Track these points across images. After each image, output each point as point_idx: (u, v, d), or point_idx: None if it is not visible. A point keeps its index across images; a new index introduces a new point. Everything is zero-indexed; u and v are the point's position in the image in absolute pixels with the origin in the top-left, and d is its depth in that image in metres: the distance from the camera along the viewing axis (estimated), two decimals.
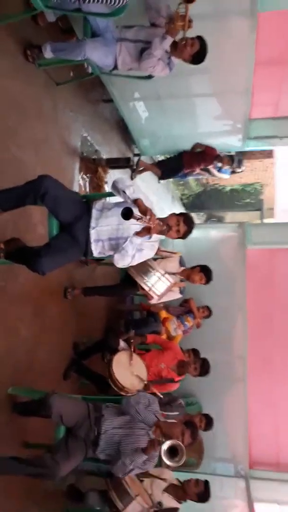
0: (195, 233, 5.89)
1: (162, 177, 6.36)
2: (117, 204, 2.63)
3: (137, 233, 2.49)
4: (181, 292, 4.24)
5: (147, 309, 4.79)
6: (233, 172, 6.59)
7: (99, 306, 4.50)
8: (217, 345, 5.24)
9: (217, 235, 5.86)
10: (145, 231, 2.45)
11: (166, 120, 5.53)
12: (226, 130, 5.92)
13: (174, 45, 3.23)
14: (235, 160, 6.09)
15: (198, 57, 3.22)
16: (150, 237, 2.66)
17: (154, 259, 4.31)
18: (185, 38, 3.16)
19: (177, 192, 10.81)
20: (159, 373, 3.85)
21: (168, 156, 6.32)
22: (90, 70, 3.55)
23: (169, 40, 3.13)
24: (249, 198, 11.39)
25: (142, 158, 6.32)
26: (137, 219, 2.23)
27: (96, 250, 2.64)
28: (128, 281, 3.84)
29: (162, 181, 7.44)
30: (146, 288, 3.64)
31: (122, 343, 3.83)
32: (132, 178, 6.26)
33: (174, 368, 3.90)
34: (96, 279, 4.34)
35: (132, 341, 3.84)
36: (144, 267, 3.67)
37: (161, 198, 8.26)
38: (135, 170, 6.21)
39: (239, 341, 5.27)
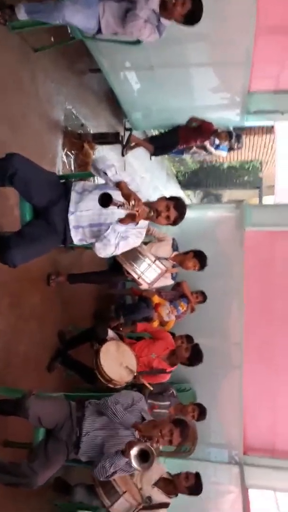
0: (190, 214, 5.60)
1: (155, 153, 6.03)
2: (99, 186, 2.35)
3: (121, 220, 2.22)
4: (173, 278, 3.99)
5: (138, 294, 4.55)
6: (230, 149, 6.25)
7: (87, 292, 4.25)
8: (213, 331, 5.05)
9: (213, 216, 5.58)
10: (130, 218, 2.18)
11: (160, 92, 5.19)
12: (224, 104, 5.59)
13: (164, 4, 2.86)
14: (233, 135, 5.73)
15: (191, 17, 2.85)
16: (136, 224, 2.39)
17: (145, 242, 4.05)
18: None
19: (173, 169, 10.44)
20: (149, 363, 3.64)
21: (162, 131, 5.95)
22: (71, 34, 3.18)
23: None
24: (247, 176, 11.04)
25: (134, 133, 5.97)
26: (118, 206, 1.95)
27: (76, 237, 2.37)
28: (116, 267, 3.58)
29: (154, 158, 7.10)
30: (135, 276, 3.38)
31: (110, 332, 3.61)
32: (123, 155, 5.93)
33: (165, 358, 3.69)
34: (82, 265, 4.07)
35: (121, 329, 3.63)
36: (133, 253, 3.40)
37: (155, 175, 7.91)
38: (126, 146, 5.87)
39: (236, 327, 5.06)
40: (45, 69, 3.56)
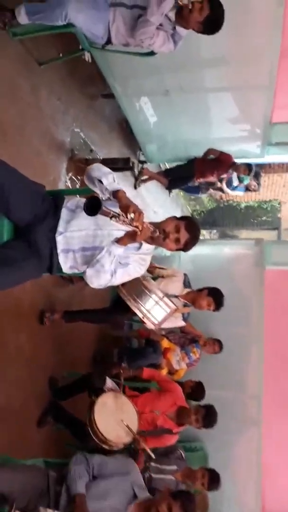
0: (205, 250, 5.22)
1: (169, 186, 5.70)
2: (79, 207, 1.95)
3: (118, 240, 1.79)
4: (184, 319, 3.49)
5: (145, 336, 4.05)
6: (247, 189, 5.88)
7: (87, 331, 3.76)
8: (228, 382, 4.58)
9: (230, 253, 5.13)
10: (129, 237, 1.76)
11: (176, 122, 4.96)
12: (243, 136, 5.28)
13: (180, 11, 2.57)
14: (253, 169, 5.38)
15: (210, 24, 2.54)
16: (139, 247, 1.95)
17: (153, 278, 3.61)
18: (191, 1, 2.50)
19: (188, 208, 10.14)
20: (153, 421, 3.08)
21: (178, 164, 5.65)
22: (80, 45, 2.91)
23: (169, 2, 2.46)
24: (265, 216, 10.65)
25: (149, 165, 5.68)
26: (111, 217, 1.53)
27: (65, 263, 1.94)
28: (120, 304, 3.11)
29: (171, 193, 6.82)
30: (140, 315, 2.91)
31: (109, 382, 3.09)
32: (135, 187, 5.61)
33: (172, 415, 3.12)
34: (82, 301, 3.61)
35: (121, 372, 3.11)
36: (138, 287, 2.95)
37: (169, 212, 7.55)
38: (138, 178, 5.57)
39: (254, 377, 4.57)
40: (50, 85, 3.28)
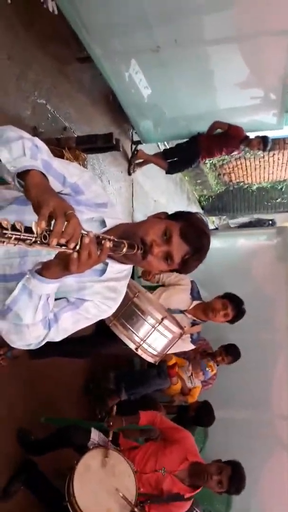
0: (217, 243, 4.35)
1: (170, 170, 4.85)
2: (18, 199, 1.11)
3: (42, 269, 0.95)
4: (193, 341, 2.65)
5: None
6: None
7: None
8: (250, 398, 3.94)
9: (247, 244, 4.30)
10: (57, 265, 0.91)
11: (173, 90, 4.17)
12: (256, 104, 4.44)
13: None
14: (268, 142, 4.49)
15: None
16: (103, 271, 1.12)
17: (151, 287, 2.79)
18: None
19: (195, 194, 9.24)
20: (157, 483, 2.29)
21: (179, 142, 4.79)
22: None
23: None
24: (280, 198, 9.69)
25: (144, 146, 4.83)
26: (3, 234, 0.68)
27: None
28: (107, 329, 2.29)
29: (173, 180, 5.97)
30: (132, 346, 2.11)
31: (94, 435, 2.31)
32: (129, 173, 4.78)
33: (183, 475, 2.31)
34: None
35: (110, 424, 2.34)
36: (127, 308, 2.15)
37: (174, 200, 6.68)
38: (132, 161, 4.73)
39: (282, 393, 3.88)
40: None
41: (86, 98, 3.62)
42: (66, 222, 0.77)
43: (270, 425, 3.99)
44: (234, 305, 2.71)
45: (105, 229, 1.12)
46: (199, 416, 3.33)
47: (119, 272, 1.16)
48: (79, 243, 0.81)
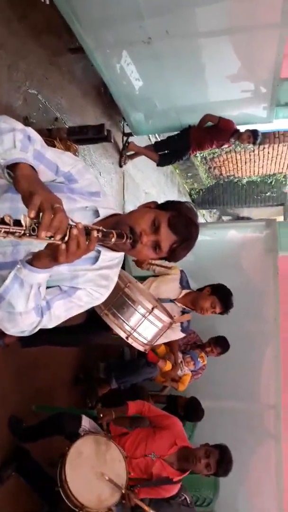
0: (206, 236, 4.40)
1: (161, 162, 4.87)
2: (12, 188, 1.13)
3: (33, 260, 0.97)
4: (183, 330, 2.71)
5: None
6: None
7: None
8: (239, 389, 3.98)
9: (236, 237, 4.33)
10: (47, 256, 0.93)
11: (164, 83, 4.17)
12: (246, 97, 4.46)
13: None
14: (258, 136, 4.52)
15: None
16: (95, 259, 1.15)
17: (142, 278, 2.83)
18: None
19: (185, 187, 9.26)
20: (147, 468, 2.34)
21: (170, 135, 4.81)
22: None
23: None
24: (270, 191, 9.77)
25: (135, 138, 4.84)
26: None
27: None
28: (98, 318, 2.32)
29: (163, 173, 5.99)
30: (122, 335, 2.14)
31: (85, 422, 2.35)
32: (121, 165, 4.79)
33: (172, 460, 2.37)
34: None
35: (100, 416, 2.38)
36: (118, 298, 2.17)
37: (164, 192, 6.71)
38: (123, 153, 4.74)
39: (270, 384, 3.91)
40: None
41: (77, 89, 3.62)
42: (52, 215, 0.80)
43: (258, 415, 4.04)
44: (222, 303, 2.76)
45: (98, 218, 1.15)
46: (187, 413, 3.38)
47: (111, 260, 1.19)
48: (67, 234, 0.83)
